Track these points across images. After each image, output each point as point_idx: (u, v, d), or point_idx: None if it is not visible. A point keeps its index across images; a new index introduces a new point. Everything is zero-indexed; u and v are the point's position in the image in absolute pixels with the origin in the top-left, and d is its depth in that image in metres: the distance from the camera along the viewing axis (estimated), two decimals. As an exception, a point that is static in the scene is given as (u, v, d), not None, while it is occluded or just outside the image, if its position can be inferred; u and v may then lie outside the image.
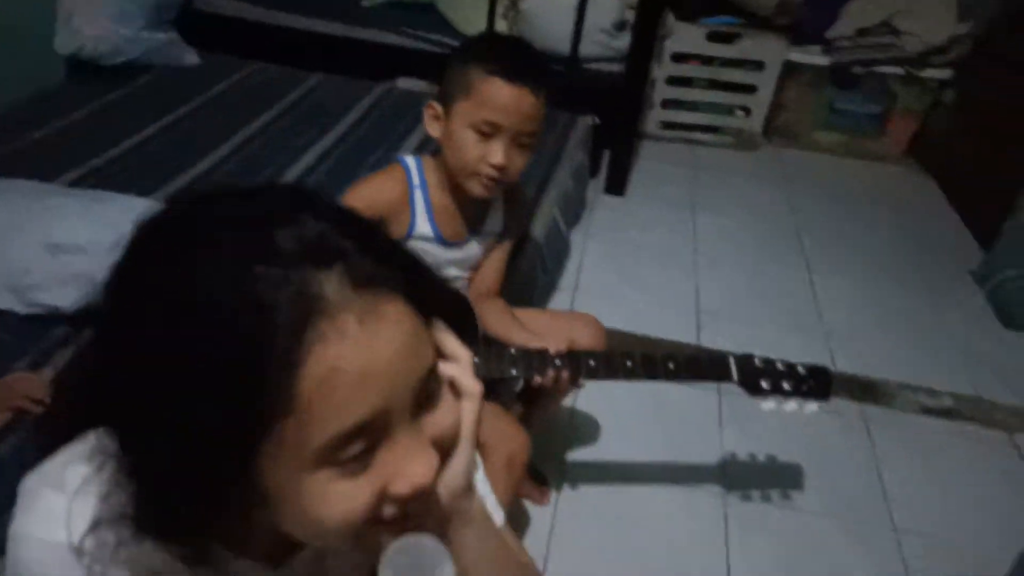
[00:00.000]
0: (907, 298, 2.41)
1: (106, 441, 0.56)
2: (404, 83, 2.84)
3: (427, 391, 0.55)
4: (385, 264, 0.52)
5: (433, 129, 1.30)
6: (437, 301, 0.58)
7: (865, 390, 1.99)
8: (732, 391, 1.32)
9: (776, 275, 2.46)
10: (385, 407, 0.50)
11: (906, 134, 3.29)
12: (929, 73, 3.10)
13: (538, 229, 1.98)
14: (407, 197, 1.33)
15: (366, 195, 1.31)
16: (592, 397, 1.85)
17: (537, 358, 1.25)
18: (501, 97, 1.22)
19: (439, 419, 0.56)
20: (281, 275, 0.47)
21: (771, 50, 3.09)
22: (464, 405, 0.59)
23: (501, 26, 2.73)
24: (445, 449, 0.58)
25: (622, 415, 1.85)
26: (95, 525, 0.55)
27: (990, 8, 3.01)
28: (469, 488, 0.61)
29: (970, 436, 1.91)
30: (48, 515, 0.56)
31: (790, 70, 3.17)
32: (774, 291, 2.38)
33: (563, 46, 2.65)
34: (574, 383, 1.28)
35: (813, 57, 3.16)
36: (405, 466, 0.53)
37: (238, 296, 0.47)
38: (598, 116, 2.65)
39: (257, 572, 0.64)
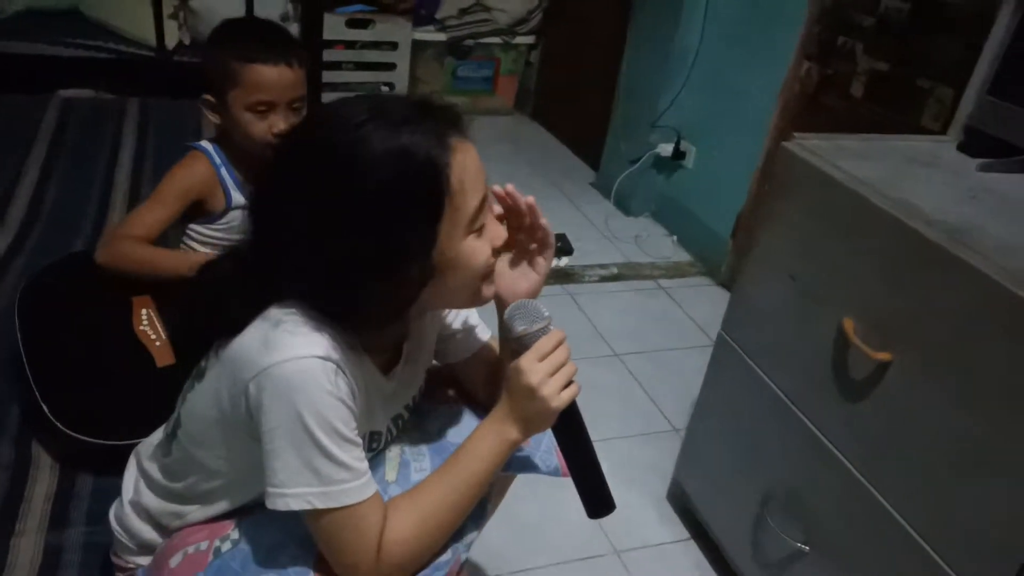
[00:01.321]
0: (562, 212, 3.17)
1: (286, 303, 0.85)
2: (67, 95, 2.76)
3: None
4: (453, 116, 0.89)
5: (213, 118, 1.47)
6: None
7: (564, 276, 2.67)
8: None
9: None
10: (485, 192, 0.89)
11: (511, 91, 4.09)
12: (519, 40, 3.92)
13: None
14: (216, 176, 1.51)
15: (184, 181, 1.48)
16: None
17: None
18: (266, 79, 1.39)
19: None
20: (424, 132, 0.83)
21: (400, 31, 3.62)
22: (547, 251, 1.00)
23: (171, 26, 2.81)
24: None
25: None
26: (325, 342, 0.83)
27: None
28: (538, 292, 1.02)
29: (633, 287, 2.71)
30: (304, 343, 0.81)
31: (418, 47, 3.73)
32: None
33: (237, 41, 2.84)
34: None
35: (432, 35, 3.76)
36: (496, 231, 0.94)
37: (422, 148, 0.82)
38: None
39: (378, 377, 0.96)
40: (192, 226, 1.52)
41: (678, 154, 2.97)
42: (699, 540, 1.72)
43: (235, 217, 1.52)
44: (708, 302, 2.66)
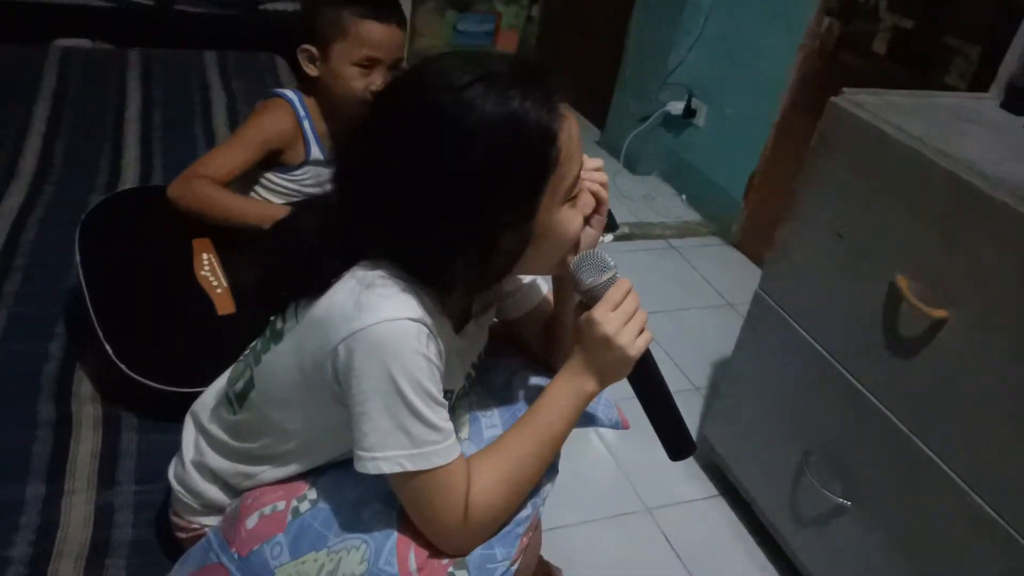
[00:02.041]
0: (566, 168, 3.14)
1: (373, 263, 0.82)
2: (64, 43, 2.66)
3: None
4: (559, 80, 0.86)
5: (311, 69, 1.46)
6: None
7: (575, 233, 2.65)
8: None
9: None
10: (582, 162, 0.87)
11: (512, 45, 4.01)
12: (520, -6, 3.84)
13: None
14: (298, 126, 1.49)
15: (267, 129, 1.46)
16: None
17: None
18: (376, 36, 1.41)
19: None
20: (535, 98, 0.80)
21: (401, -17, 3.52)
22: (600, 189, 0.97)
23: (171, -26, 2.71)
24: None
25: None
26: (416, 304, 0.81)
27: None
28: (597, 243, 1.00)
29: (645, 246, 2.70)
30: (396, 305, 0.79)
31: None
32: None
33: (239, -10, 2.75)
34: None
35: (433, -13, 3.67)
36: (586, 199, 0.91)
37: (532, 114, 0.79)
38: (283, 57, 2.83)
39: (452, 335, 0.94)
40: (267, 174, 1.49)
41: (689, 112, 2.94)
42: (728, 496, 1.74)
43: (310, 171, 1.50)
44: (720, 262, 2.67)
